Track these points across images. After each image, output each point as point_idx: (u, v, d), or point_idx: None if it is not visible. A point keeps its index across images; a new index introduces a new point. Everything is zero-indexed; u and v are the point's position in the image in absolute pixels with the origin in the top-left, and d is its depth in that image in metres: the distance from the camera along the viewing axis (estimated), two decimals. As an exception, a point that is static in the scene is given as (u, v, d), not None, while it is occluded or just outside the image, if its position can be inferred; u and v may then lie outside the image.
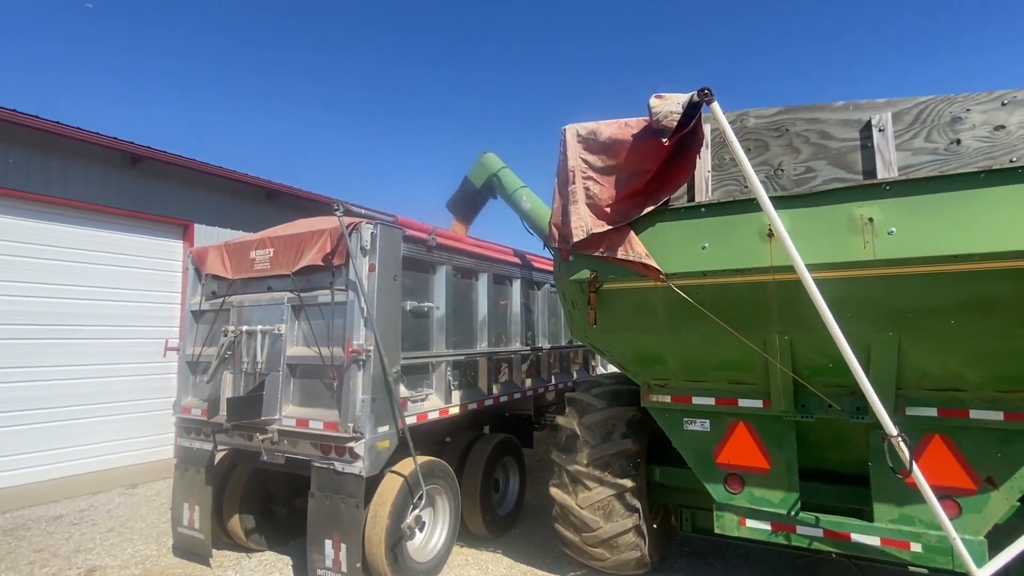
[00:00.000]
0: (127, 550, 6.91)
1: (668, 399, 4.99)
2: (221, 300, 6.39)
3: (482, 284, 7.50)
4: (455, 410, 6.62)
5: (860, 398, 4.20)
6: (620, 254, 4.26)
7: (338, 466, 5.40)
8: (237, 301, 6.25)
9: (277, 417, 5.72)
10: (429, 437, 6.79)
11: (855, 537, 4.28)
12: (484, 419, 8.13)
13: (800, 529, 4.45)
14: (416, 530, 5.96)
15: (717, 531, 4.71)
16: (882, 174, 3.98)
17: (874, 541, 4.24)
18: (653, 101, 4.00)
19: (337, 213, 5.55)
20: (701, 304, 4.17)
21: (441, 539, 6.23)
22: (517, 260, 8.40)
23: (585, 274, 4.48)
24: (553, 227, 4.57)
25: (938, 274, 3.54)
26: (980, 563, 3.89)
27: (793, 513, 4.50)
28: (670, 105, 3.89)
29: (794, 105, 4.41)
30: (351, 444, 5.35)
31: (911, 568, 4.31)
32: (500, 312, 7.98)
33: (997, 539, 4.07)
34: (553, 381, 9.15)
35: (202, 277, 6.73)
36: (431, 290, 6.52)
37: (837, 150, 4.21)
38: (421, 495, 5.76)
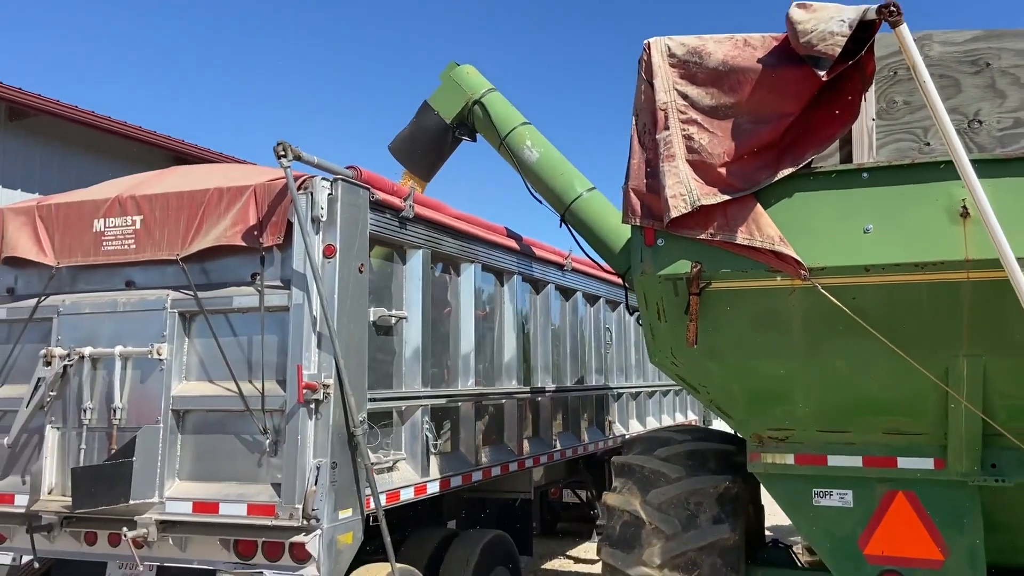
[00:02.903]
0: None
1: (790, 460, 3.96)
2: (36, 302, 4.23)
3: (466, 282, 5.40)
4: (434, 487, 4.62)
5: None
6: (741, 238, 3.36)
7: (271, 578, 3.57)
8: (67, 304, 4.20)
9: (156, 499, 3.83)
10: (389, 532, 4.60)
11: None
12: (454, 506, 5.64)
13: None
14: None
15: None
16: None
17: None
18: (797, 12, 3.19)
19: (283, 162, 3.79)
20: (860, 314, 3.27)
21: None
22: (512, 244, 6.14)
23: (684, 267, 3.50)
24: (633, 195, 3.57)
25: None
26: None
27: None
28: (828, 22, 3.06)
29: (997, 29, 3.70)
30: (299, 538, 3.54)
31: None
32: (488, 329, 5.74)
33: None
34: (557, 444, 6.57)
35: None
36: (399, 290, 4.60)
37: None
38: None
